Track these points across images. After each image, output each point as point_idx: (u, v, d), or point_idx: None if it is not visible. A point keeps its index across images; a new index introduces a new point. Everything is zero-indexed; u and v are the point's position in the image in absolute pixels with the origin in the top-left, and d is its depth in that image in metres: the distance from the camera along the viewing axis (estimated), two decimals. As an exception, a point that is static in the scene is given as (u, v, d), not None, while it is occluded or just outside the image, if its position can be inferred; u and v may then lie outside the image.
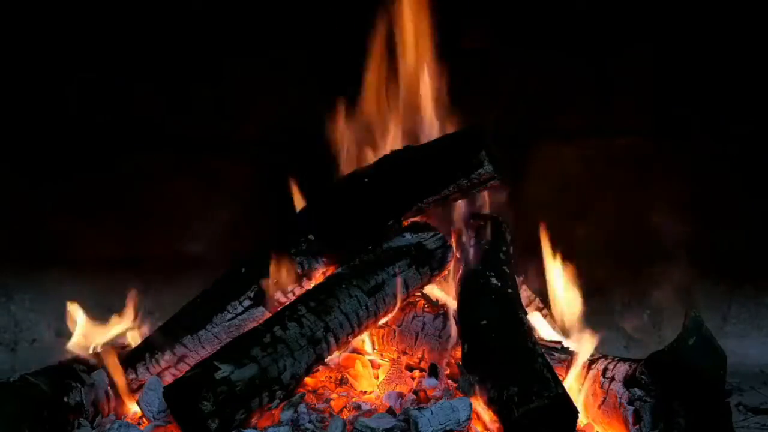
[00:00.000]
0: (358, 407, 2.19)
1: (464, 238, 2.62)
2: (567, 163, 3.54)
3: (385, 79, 2.74)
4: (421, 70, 2.70)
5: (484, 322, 2.25)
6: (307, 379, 2.25)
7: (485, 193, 2.64)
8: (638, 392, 2.10)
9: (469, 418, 2.07)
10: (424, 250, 2.41)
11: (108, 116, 3.45)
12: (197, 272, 2.62)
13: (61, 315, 3.44)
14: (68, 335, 2.52)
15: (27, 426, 2.07)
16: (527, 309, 2.44)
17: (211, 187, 3.46)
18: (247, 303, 2.37)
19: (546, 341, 2.45)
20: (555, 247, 2.63)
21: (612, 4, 3.40)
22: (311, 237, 2.42)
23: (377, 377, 2.38)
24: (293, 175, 2.69)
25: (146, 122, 3.47)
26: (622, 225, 3.47)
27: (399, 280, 2.35)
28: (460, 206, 2.65)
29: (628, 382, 2.14)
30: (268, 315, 2.34)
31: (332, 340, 2.23)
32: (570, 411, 2.02)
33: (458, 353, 2.32)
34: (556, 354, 2.39)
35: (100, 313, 2.91)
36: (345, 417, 2.11)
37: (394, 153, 2.52)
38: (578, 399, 2.25)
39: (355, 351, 2.43)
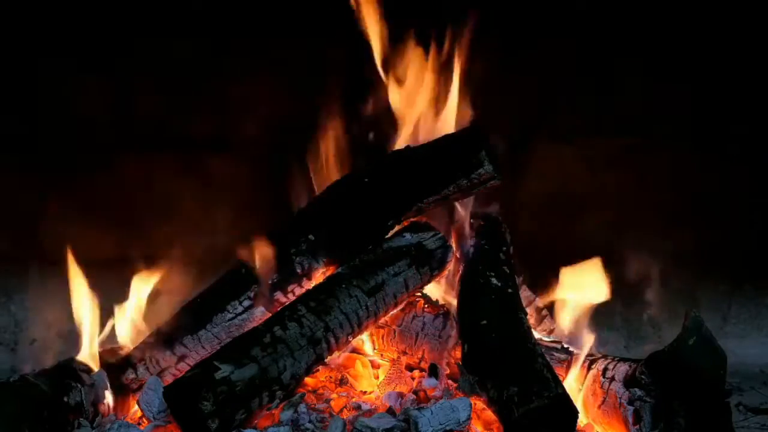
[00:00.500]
0: (358, 407, 2.19)
1: (464, 238, 2.62)
2: (567, 163, 3.55)
3: (385, 79, 2.74)
4: (422, 71, 2.70)
5: (484, 322, 2.25)
6: (307, 379, 2.25)
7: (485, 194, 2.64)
8: (638, 392, 2.10)
9: (469, 418, 2.07)
10: (424, 250, 2.41)
11: (108, 116, 3.45)
12: (197, 272, 2.62)
13: (61, 315, 3.46)
14: (68, 335, 2.52)
15: (27, 426, 2.07)
16: (527, 309, 2.44)
17: (211, 187, 3.46)
18: (247, 303, 2.37)
19: (546, 341, 2.45)
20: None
21: (612, 4, 3.40)
22: (311, 237, 2.42)
23: (377, 377, 2.38)
24: (294, 174, 2.69)
25: (146, 122, 3.47)
26: (622, 225, 3.47)
27: (399, 280, 2.35)
28: (460, 206, 2.65)
29: (628, 382, 2.15)
30: (268, 315, 2.34)
31: (332, 340, 2.23)
32: (570, 411, 2.02)
33: (458, 353, 2.32)
34: (556, 354, 2.39)
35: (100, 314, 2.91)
36: (345, 417, 2.11)
37: (394, 153, 2.52)
38: (578, 399, 2.25)
39: (355, 351, 2.43)
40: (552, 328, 2.63)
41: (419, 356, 2.42)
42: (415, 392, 2.27)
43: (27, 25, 3.36)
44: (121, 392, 2.36)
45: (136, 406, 2.29)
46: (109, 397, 2.30)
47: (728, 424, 2.06)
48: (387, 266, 2.35)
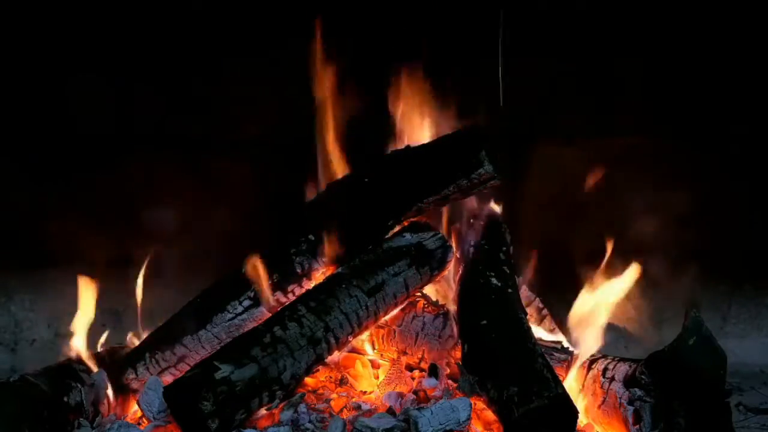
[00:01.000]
0: (358, 407, 2.19)
1: (464, 238, 2.62)
2: (567, 163, 3.54)
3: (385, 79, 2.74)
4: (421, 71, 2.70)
5: (484, 322, 2.25)
6: (307, 379, 2.25)
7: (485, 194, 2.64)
8: (638, 392, 2.10)
9: (469, 418, 2.07)
10: (424, 250, 2.41)
11: (108, 116, 3.45)
12: (197, 272, 2.62)
13: (61, 315, 3.46)
14: (68, 335, 2.52)
15: (27, 426, 2.07)
16: (527, 309, 2.44)
17: (211, 187, 3.46)
18: (247, 303, 2.37)
19: (546, 341, 2.45)
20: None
21: (612, 4, 3.40)
22: (311, 237, 2.42)
23: (377, 377, 2.38)
24: (294, 174, 2.69)
25: (146, 122, 3.47)
26: (622, 225, 3.47)
27: (399, 280, 2.35)
28: (461, 206, 2.65)
29: (628, 382, 2.14)
30: (268, 315, 2.34)
31: (332, 340, 2.23)
32: (570, 411, 2.02)
33: (458, 353, 2.32)
34: (556, 354, 2.39)
35: (100, 314, 2.91)
36: (345, 417, 2.11)
37: (395, 153, 2.52)
38: (578, 399, 2.25)
39: (355, 351, 2.43)
40: (552, 328, 2.63)
41: (419, 356, 2.42)
42: (415, 392, 2.27)
43: (27, 24, 3.36)
44: (121, 392, 2.36)
45: (136, 406, 2.29)
46: (110, 395, 2.31)
47: (728, 424, 2.06)
48: (387, 266, 2.35)
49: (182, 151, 3.48)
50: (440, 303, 2.51)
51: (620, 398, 2.14)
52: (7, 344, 3.49)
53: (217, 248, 3.24)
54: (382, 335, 2.47)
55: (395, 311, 2.42)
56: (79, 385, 2.26)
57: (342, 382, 2.31)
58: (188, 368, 2.25)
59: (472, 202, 2.66)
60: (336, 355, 2.33)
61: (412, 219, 2.51)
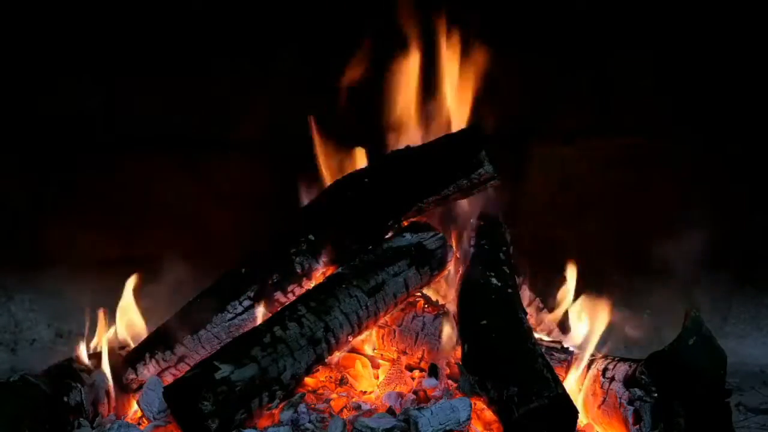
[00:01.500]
0: (358, 407, 2.19)
1: (464, 238, 2.62)
2: (567, 163, 3.54)
3: (384, 79, 2.74)
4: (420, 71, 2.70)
5: (484, 322, 2.25)
6: (307, 379, 2.25)
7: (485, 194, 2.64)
8: (638, 392, 2.10)
9: (469, 418, 2.07)
10: (424, 250, 2.41)
11: (107, 116, 3.45)
12: (197, 272, 2.62)
13: (61, 315, 3.46)
14: (68, 335, 2.52)
15: (27, 426, 2.07)
16: (527, 309, 2.44)
17: (210, 187, 3.46)
18: (247, 303, 2.37)
19: (546, 341, 2.45)
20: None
21: (612, 4, 3.40)
22: (311, 237, 2.42)
23: (377, 377, 2.38)
24: (293, 174, 2.69)
25: (146, 122, 3.46)
26: (622, 225, 3.47)
27: (399, 280, 2.35)
28: (461, 206, 2.65)
29: (628, 382, 2.14)
30: (268, 315, 2.34)
31: (332, 340, 2.23)
32: (570, 411, 2.02)
33: (458, 353, 2.32)
34: (556, 354, 2.39)
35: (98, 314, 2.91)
36: (345, 417, 2.11)
37: (395, 153, 2.52)
38: (578, 399, 2.25)
39: (355, 351, 2.43)
40: (552, 328, 2.63)
41: (419, 356, 2.42)
42: (415, 392, 2.27)
43: (27, 24, 3.36)
44: (121, 392, 2.36)
45: (136, 406, 2.29)
46: (112, 393, 2.31)
47: (728, 424, 2.06)
48: (387, 266, 2.35)
49: (182, 151, 3.48)
50: (440, 303, 2.51)
51: (620, 398, 2.14)
52: (7, 344, 3.49)
53: (217, 248, 3.24)
54: (382, 335, 2.47)
55: (395, 311, 2.42)
56: (79, 385, 2.25)
57: (342, 382, 2.31)
58: (188, 368, 2.25)
59: (472, 202, 2.66)
60: (336, 355, 2.33)
61: (412, 219, 2.51)
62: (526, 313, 2.36)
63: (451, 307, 2.46)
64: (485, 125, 2.50)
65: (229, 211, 3.40)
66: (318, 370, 2.28)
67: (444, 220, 2.64)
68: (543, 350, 2.24)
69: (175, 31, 3.37)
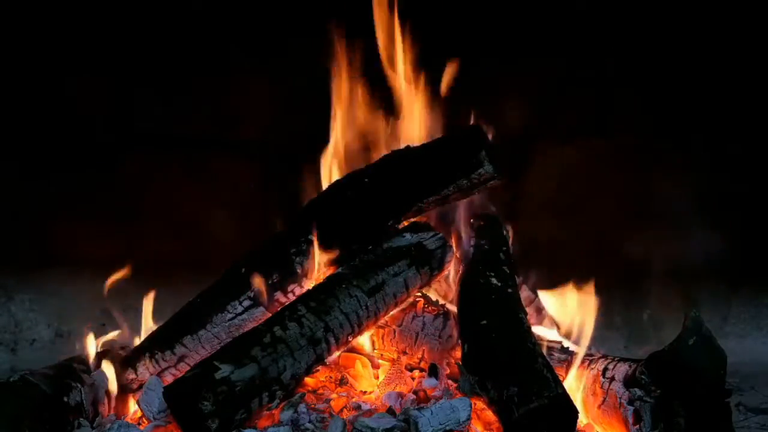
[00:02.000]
0: (358, 407, 2.19)
1: (464, 238, 2.62)
2: (567, 163, 3.55)
3: (383, 79, 2.74)
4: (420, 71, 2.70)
5: (484, 322, 2.25)
6: (307, 379, 2.25)
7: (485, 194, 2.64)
8: (638, 392, 2.10)
9: (469, 418, 2.07)
10: (424, 250, 2.41)
11: (108, 116, 3.45)
12: (197, 272, 2.62)
13: (61, 315, 3.47)
14: (68, 335, 2.52)
15: (27, 426, 2.07)
16: (527, 309, 2.44)
17: (210, 186, 3.46)
18: (247, 303, 2.37)
19: (546, 341, 2.45)
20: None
21: (611, 5, 3.40)
22: (311, 237, 2.42)
23: (377, 377, 2.38)
24: (294, 174, 2.69)
25: (146, 122, 3.47)
26: (622, 225, 3.47)
27: (399, 280, 2.34)
28: (461, 206, 2.65)
29: (628, 382, 2.14)
30: (268, 315, 2.34)
31: (332, 340, 2.23)
32: (570, 411, 2.02)
33: (458, 353, 2.32)
34: (556, 354, 2.39)
35: (98, 314, 2.91)
36: (345, 417, 2.11)
37: (394, 153, 2.52)
38: (578, 399, 2.25)
39: (355, 351, 2.43)
40: (552, 328, 2.62)
41: (419, 356, 2.42)
42: (415, 392, 2.27)
43: (27, 24, 3.36)
44: (121, 392, 2.36)
45: (136, 406, 2.29)
46: (113, 393, 2.31)
47: (728, 424, 2.06)
48: (387, 266, 2.35)
49: (182, 150, 3.49)
50: (440, 303, 2.51)
51: (620, 398, 2.14)
52: (7, 344, 3.49)
53: (217, 248, 3.24)
54: (382, 335, 2.47)
55: (395, 311, 2.42)
56: (79, 385, 2.25)
57: (342, 382, 2.31)
58: (188, 368, 2.25)
59: (472, 202, 2.66)
60: (336, 355, 2.33)
61: (412, 219, 2.51)
62: (526, 313, 2.36)
63: (451, 307, 2.46)
64: (485, 125, 2.50)
65: (229, 211, 3.40)
66: (318, 370, 2.28)
67: (444, 220, 2.65)
68: (543, 350, 2.23)
69: (175, 32, 3.37)
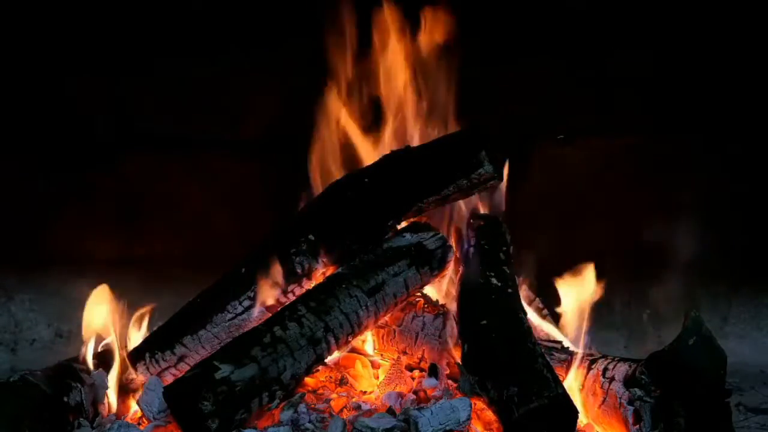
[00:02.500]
0: (358, 407, 2.19)
1: (464, 238, 2.62)
2: (567, 163, 3.55)
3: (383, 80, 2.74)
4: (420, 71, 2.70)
5: (484, 322, 2.25)
6: (307, 379, 2.25)
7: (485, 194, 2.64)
8: (638, 392, 2.10)
9: (469, 418, 2.07)
10: (424, 250, 2.41)
11: (108, 116, 3.45)
12: (197, 272, 2.62)
13: (61, 315, 3.46)
14: (68, 335, 2.52)
15: (27, 426, 2.07)
16: (527, 309, 2.44)
17: (210, 186, 3.46)
18: (247, 303, 2.37)
19: (546, 341, 2.45)
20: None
21: (611, 6, 3.40)
22: (311, 237, 2.42)
23: (377, 377, 2.38)
24: (294, 174, 2.69)
25: (145, 122, 3.47)
26: (622, 225, 3.47)
27: (399, 280, 2.34)
28: (461, 206, 2.65)
29: (628, 382, 2.14)
30: (268, 315, 2.34)
31: (332, 340, 2.23)
32: (570, 411, 2.02)
33: (458, 353, 2.32)
34: (556, 354, 2.39)
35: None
36: (345, 417, 2.11)
37: (394, 153, 2.52)
38: (578, 399, 2.25)
39: (355, 351, 2.43)
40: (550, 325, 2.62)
41: (419, 356, 2.42)
42: (415, 392, 2.27)
43: (27, 24, 3.36)
44: (121, 392, 2.36)
45: (136, 406, 2.29)
46: (112, 396, 2.31)
47: (728, 424, 2.06)
48: (387, 266, 2.35)
49: (182, 150, 3.49)
50: (440, 303, 2.51)
51: (620, 398, 2.14)
52: (7, 344, 3.49)
53: (217, 248, 3.24)
54: (382, 335, 2.47)
55: (395, 311, 2.42)
56: (79, 385, 2.25)
57: (342, 382, 2.31)
58: (188, 368, 2.25)
59: (472, 202, 2.66)
60: (336, 355, 2.33)
61: (412, 219, 2.51)
62: (526, 313, 2.36)
63: (451, 307, 2.46)
64: (485, 125, 2.50)
65: (229, 211, 3.40)
66: (318, 370, 2.28)
67: (444, 220, 2.64)
68: (543, 350, 2.23)
69: (175, 31, 3.37)
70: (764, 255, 3.55)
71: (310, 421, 2.11)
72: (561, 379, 2.15)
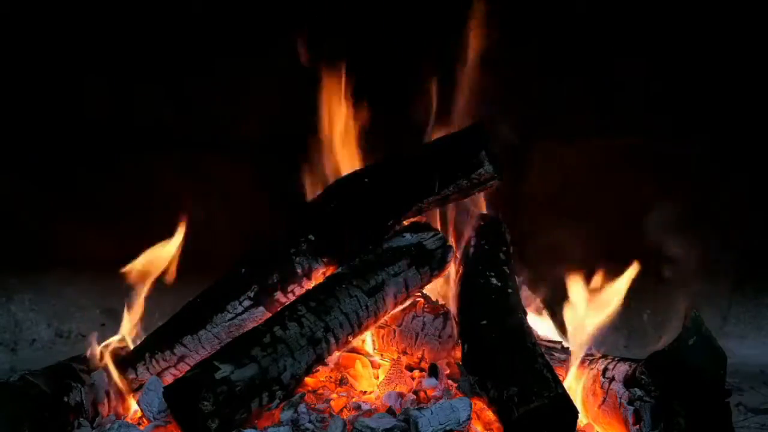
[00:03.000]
0: (358, 407, 2.19)
1: (464, 238, 2.62)
2: (567, 164, 3.55)
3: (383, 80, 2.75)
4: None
5: (484, 322, 2.25)
6: (307, 379, 2.25)
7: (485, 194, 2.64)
8: (638, 392, 2.10)
9: (469, 418, 2.07)
10: (424, 250, 2.41)
11: (108, 117, 3.45)
12: (197, 272, 2.62)
13: (61, 315, 3.47)
14: (68, 335, 2.51)
15: (27, 426, 2.07)
16: (527, 309, 2.44)
17: (210, 187, 3.46)
18: (247, 303, 2.37)
19: (546, 341, 2.45)
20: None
21: (612, 6, 3.40)
22: (311, 237, 2.42)
23: (377, 377, 2.38)
24: (294, 174, 2.69)
25: (146, 123, 3.47)
26: (622, 225, 3.47)
27: (399, 280, 2.35)
28: (461, 206, 2.65)
29: (628, 382, 2.14)
30: (268, 315, 2.34)
31: (332, 340, 2.23)
32: (570, 411, 2.02)
33: (458, 353, 2.32)
34: (556, 354, 2.39)
35: (98, 314, 2.91)
36: (345, 417, 2.11)
37: (395, 153, 2.52)
38: (578, 399, 2.25)
39: (355, 351, 2.43)
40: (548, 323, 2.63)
41: (419, 356, 2.42)
42: (415, 392, 2.27)
43: (28, 26, 3.36)
44: (122, 392, 2.36)
45: (136, 406, 2.29)
46: (112, 395, 2.31)
47: (728, 424, 2.06)
48: (387, 266, 2.35)
49: (182, 151, 3.49)
50: (440, 303, 2.51)
51: (620, 398, 2.14)
52: (7, 344, 3.49)
53: (217, 248, 3.24)
54: (382, 335, 2.47)
55: (395, 311, 2.42)
56: (79, 385, 2.25)
57: (342, 382, 2.31)
58: (188, 368, 2.25)
59: (472, 202, 2.66)
60: (336, 355, 2.33)
61: (412, 219, 2.51)
62: (526, 313, 2.36)
63: (451, 307, 2.46)
64: (485, 125, 2.50)
65: (229, 212, 3.40)
66: (318, 370, 2.28)
67: (444, 220, 2.65)
68: (543, 350, 2.23)
69: (174, 32, 3.37)
70: (764, 255, 3.55)
71: (310, 421, 2.11)
72: (561, 379, 2.15)
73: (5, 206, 3.42)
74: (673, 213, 3.38)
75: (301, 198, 2.64)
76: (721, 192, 3.49)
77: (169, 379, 2.30)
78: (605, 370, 2.25)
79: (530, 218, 3.41)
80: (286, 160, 3.03)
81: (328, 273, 2.40)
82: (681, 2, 3.41)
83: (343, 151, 2.69)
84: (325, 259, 2.42)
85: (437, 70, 2.74)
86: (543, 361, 2.12)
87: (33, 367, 2.30)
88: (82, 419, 2.22)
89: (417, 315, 2.44)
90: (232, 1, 3.41)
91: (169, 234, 2.92)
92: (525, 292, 2.64)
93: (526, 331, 2.25)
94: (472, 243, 2.60)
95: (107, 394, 2.31)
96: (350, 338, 2.29)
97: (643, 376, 2.10)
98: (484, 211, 2.73)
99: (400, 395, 2.24)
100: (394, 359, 2.42)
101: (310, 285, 2.39)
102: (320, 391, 2.26)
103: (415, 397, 2.25)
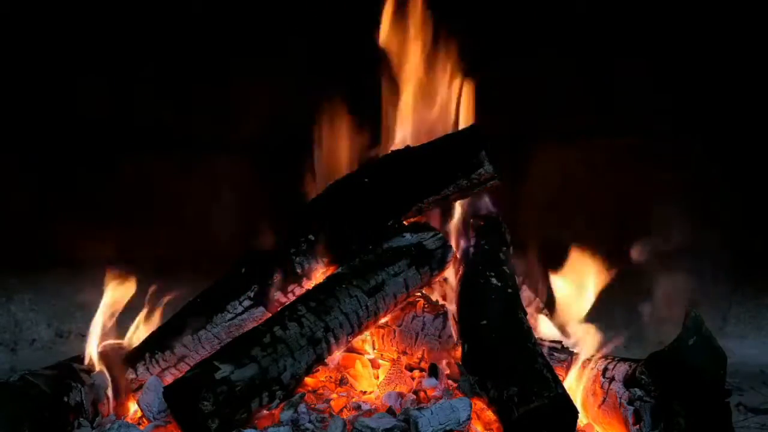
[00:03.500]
0: (358, 407, 2.19)
1: (464, 238, 2.62)
2: (567, 164, 3.54)
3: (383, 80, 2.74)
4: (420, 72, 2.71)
5: (484, 322, 2.25)
6: (307, 379, 2.25)
7: (485, 194, 2.64)
8: (638, 392, 2.10)
9: (469, 418, 2.07)
10: (424, 250, 2.41)
11: (108, 117, 3.45)
12: (197, 272, 2.62)
13: (61, 315, 3.47)
14: (68, 335, 2.51)
15: (27, 426, 2.07)
16: (527, 309, 2.44)
17: (210, 187, 3.46)
18: (247, 303, 2.37)
19: (546, 341, 2.45)
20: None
21: (612, 6, 3.40)
22: (311, 237, 2.42)
23: (377, 377, 2.38)
24: (293, 174, 2.69)
25: (146, 123, 3.47)
26: (622, 225, 3.47)
27: (399, 280, 2.34)
28: (460, 206, 2.65)
29: (628, 382, 2.14)
30: (268, 315, 2.34)
31: (332, 340, 2.23)
32: (570, 411, 2.02)
33: (458, 353, 2.32)
34: (556, 354, 2.39)
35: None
36: (345, 417, 2.11)
37: (394, 153, 2.52)
38: (578, 399, 2.25)
39: (355, 351, 2.43)
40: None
41: (419, 356, 2.42)
42: (415, 392, 2.27)
43: (28, 25, 3.36)
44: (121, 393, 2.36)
45: (136, 406, 2.29)
46: (110, 395, 2.31)
47: (728, 424, 2.06)
48: (387, 266, 2.35)
49: (182, 151, 3.49)
50: (440, 303, 2.51)
51: (620, 398, 2.14)
52: (7, 344, 3.49)
53: (218, 248, 3.24)
54: (382, 335, 2.47)
55: (395, 311, 2.42)
56: (79, 385, 2.25)
57: (342, 382, 2.31)
58: (188, 368, 2.25)
59: (472, 201, 2.66)
60: (336, 355, 2.33)
61: (412, 219, 2.51)
62: (526, 313, 2.36)
63: (451, 307, 2.46)
64: (485, 125, 2.50)
65: (228, 211, 3.40)
66: (318, 370, 2.28)
67: (444, 220, 2.65)
68: (543, 350, 2.24)
69: (175, 32, 3.37)
70: (764, 255, 3.55)
71: (310, 421, 2.11)
72: (561, 379, 2.15)
73: (5, 206, 3.42)
74: (673, 213, 3.39)
75: (301, 198, 2.63)
76: (721, 192, 3.49)
77: (169, 379, 2.30)
78: (605, 370, 2.25)
79: (530, 218, 3.41)
80: (287, 160, 3.04)
81: (328, 273, 2.40)
82: (681, 2, 3.41)
83: (343, 151, 2.69)
84: (325, 259, 2.42)
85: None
86: (543, 361, 2.12)
87: (33, 367, 2.30)
88: (82, 419, 2.22)
89: (417, 315, 2.44)
90: (232, 1, 3.41)
91: (167, 236, 2.95)
92: (525, 292, 2.64)
93: (526, 331, 2.25)
94: (472, 243, 2.60)
95: (108, 393, 2.31)
96: (350, 338, 2.29)
97: (643, 376, 2.10)
98: (484, 211, 2.72)
99: (400, 395, 2.24)
100: (394, 359, 2.42)
101: (310, 285, 2.39)
102: (320, 391, 2.26)
103: (415, 397, 2.25)
